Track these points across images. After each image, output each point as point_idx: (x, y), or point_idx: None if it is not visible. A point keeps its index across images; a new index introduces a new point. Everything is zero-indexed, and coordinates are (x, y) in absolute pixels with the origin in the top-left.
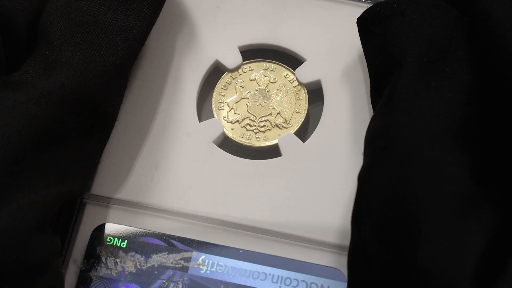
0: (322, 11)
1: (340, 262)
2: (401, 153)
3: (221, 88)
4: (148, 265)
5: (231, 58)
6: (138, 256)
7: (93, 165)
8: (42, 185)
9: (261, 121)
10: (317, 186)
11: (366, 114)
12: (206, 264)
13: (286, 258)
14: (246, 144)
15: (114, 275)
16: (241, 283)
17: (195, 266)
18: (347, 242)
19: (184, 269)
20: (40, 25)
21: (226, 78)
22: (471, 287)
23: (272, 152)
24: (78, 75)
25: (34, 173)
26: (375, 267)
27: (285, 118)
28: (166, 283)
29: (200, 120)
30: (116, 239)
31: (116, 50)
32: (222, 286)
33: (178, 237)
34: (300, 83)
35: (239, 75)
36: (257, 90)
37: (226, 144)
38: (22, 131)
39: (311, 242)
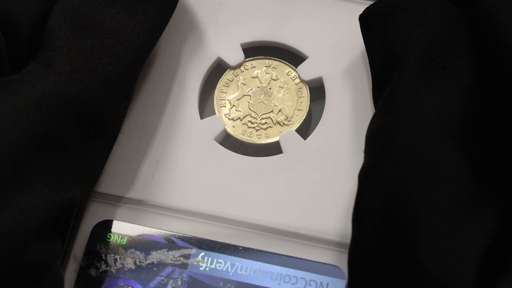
0: (325, 8)
1: (339, 260)
2: (402, 152)
3: (223, 85)
4: (148, 262)
5: (233, 56)
6: (137, 253)
7: (95, 174)
8: (44, 190)
9: (262, 118)
10: (318, 184)
11: (367, 111)
12: (205, 261)
13: (286, 255)
14: (247, 141)
15: (114, 271)
16: (240, 280)
17: (195, 263)
18: (347, 239)
19: (184, 266)
20: (46, 28)
21: (228, 75)
22: (472, 286)
23: (273, 149)
24: (78, 81)
25: (36, 179)
26: (375, 265)
27: (286, 115)
28: (165, 280)
29: (202, 117)
30: (116, 236)
31: (117, 59)
32: (221, 283)
33: (178, 234)
34: (302, 80)
35: (241, 72)
36: (259, 87)
37: (227, 141)
38: (22, 137)
39: (311, 240)
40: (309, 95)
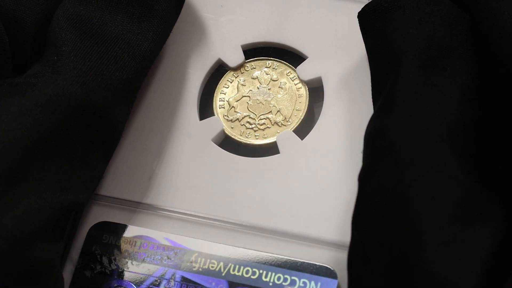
0: (325, 8)
1: (334, 260)
2: (401, 155)
3: (223, 87)
4: (142, 263)
5: (234, 57)
6: (132, 253)
7: (97, 178)
8: (48, 192)
9: (261, 119)
10: (314, 184)
11: (366, 112)
12: (198, 262)
13: (278, 255)
14: (245, 142)
15: (108, 272)
16: (233, 280)
17: (188, 264)
18: (342, 239)
19: (177, 266)
20: (49, 31)
21: (228, 76)
22: None
23: (271, 150)
24: (85, 86)
25: (40, 180)
26: (375, 269)
27: (285, 116)
28: (158, 280)
29: (201, 119)
30: (112, 237)
31: (123, 66)
32: (213, 284)
33: (171, 234)
34: (301, 81)
35: (241, 73)
36: (258, 88)
37: (225, 142)
38: (28, 138)
39: (307, 240)
40: (308, 95)
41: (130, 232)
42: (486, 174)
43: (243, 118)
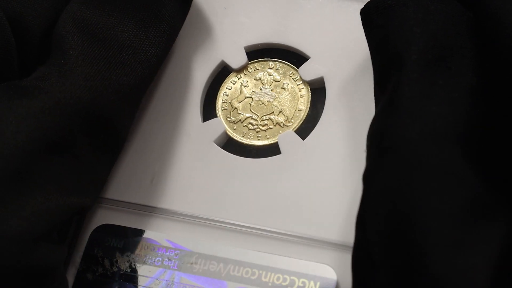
0: (327, 9)
1: (334, 260)
2: (407, 155)
3: (226, 88)
4: (143, 264)
5: (237, 59)
6: (133, 256)
7: (101, 181)
8: (55, 194)
9: (263, 120)
10: (315, 184)
11: (368, 112)
12: (198, 263)
13: (278, 255)
14: (247, 143)
15: (110, 275)
16: (233, 281)
17: (188, 265)
18: (342, 239)
19: (177, 267)
20: (55, 34)
21: (231, 78)
22: None
23: (273, 150)
24: (93, 90)
25: (47, 182)
26: (381, 271)
27: (287, 116)
28: (159, 282)
29: (205, 120)
30: (114, 240)
31: (130, 71)
32: (213, 284)
33: (172, 236)
34: (303, 81)
35: (244, 75)
36: (261, 90)
37: (228, 143)
38: (35, 140)
39: (307, 240)
40: (310, 95)
41: (132, 234)
42: (492, 175)
43: (245, 119)
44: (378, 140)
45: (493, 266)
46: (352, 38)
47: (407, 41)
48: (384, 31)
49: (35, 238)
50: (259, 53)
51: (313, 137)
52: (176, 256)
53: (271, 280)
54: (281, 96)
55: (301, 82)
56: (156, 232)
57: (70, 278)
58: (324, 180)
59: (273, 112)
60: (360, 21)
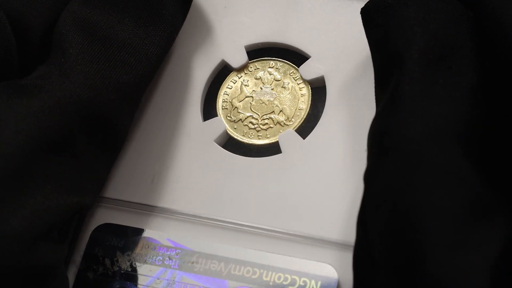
0: (327, 8)
1: (335, 259)
2: (408, 155)
3: (227, 87)
4: (144, 264)
5: (237, 58)
6: (134, 255)
7: (101, 180)
8: (55, 193)
9: (263, 119)
10: (316, 183)
11: (368, 111)
12: (199, 262)
13: (279, 255)
14: (247, 142)
15: (110, 274)
16: (234, 280)
17: (189, 264)
18: (343, 239)
19: (178, 267)
20: (55, 33)
21: (232, 77)
22: None
23: (274, 149)
24: (93, 89)
25: (47, 181)
26: (381, 271)
27: (287, 115)
28: (160, 281)
29: (205, 119)
30: (114, 239)
31: (130, 70)
32: (214, 284)
33: (173, 235)
34: (304, 80)
35: (245, 74)
36: (261, 89)
37: (228, 142)
38: (35, 139)
39: (308, 239)
40: (310, 94)
41: (133, 233)
42: (493, 175)
43: (246, 118)
44: (379, 139)
45: (493, 266)
46: (353, 37)
47: (408, 40)
48: (384, 30)
49: (35, 238)
50: (259, 52)
51: (313, 136)
52: (177, 255)
53: (272, 279)
54: (281, 95)
55: (301, 81)
56: (157, 231)
57: (71, 277)
58: (325, 179)
59: (273, 111)
60: (361, 20)
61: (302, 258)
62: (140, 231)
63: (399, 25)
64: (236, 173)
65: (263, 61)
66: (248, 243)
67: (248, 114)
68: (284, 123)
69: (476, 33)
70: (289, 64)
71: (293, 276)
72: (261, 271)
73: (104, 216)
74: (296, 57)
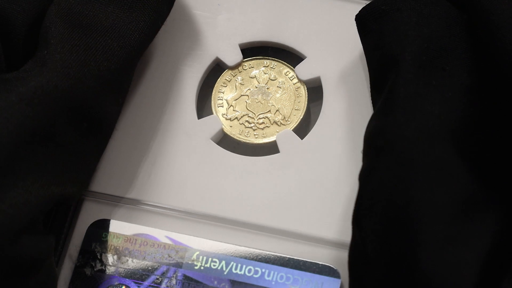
0: (323, 8)
1: (336, 259)
2: (401, 154)
3: (221, 85)
4: (142, 260)
5: (232, 56)
6: (132, 252)
7: (88, 170)
8: (35, 185)
9: (259, 118)
10: (314, 183)
11: (365, 111)
12: (200, 260)
13: (281, 255)
14: (244, 141)
15: (109, 270)
16: (235, 279)
17: (189, 262)
18: (343, 239)
19: (178, 265)
20: (42, 28)
21: (226, 75)
22: None
23: (270, 149)
24: (71, 77)
25: (27, 173)
26: (375, 268)
27: (284, 115)
28: (160, 279)
29: (199, 117)
30: (111, 235)
31: (112, 56)
32: (216, 282)
33: (173, 233)
34: (300, 80)
35: (239, 72)
36: (256, 88)
37: (224, 141)
38: (14, 131)
39: (307, 239)
40: (307, 95)
41: (130, 230)
42: (485, 172)
43: (241, 117)
44: (373, 139)
45: (482, 262)
46: (348, 37)
47: (402, 44)
48: (379, 36)
49: (17, 231)
50: (253, 51)
51: (311, 137)
52: (177, 253)
53: (274, 279)
54: (277, 94)
55: (297, 81)
56: (156, 229)
57: (68, 272)
58: (325, 179)
59: (269, 110)
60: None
61: (304, 258)
62: (138, 228)
63: (393, 30)
64: (237, 172)
65: (257, 60)
66: (250, 242)
67: (244, 113)
68: (281, 123)
69: (470, 34)
70: (283, 63)
71: (296, 276)
72: (263, 270)
73: (100, 212)
74: (290, 56)
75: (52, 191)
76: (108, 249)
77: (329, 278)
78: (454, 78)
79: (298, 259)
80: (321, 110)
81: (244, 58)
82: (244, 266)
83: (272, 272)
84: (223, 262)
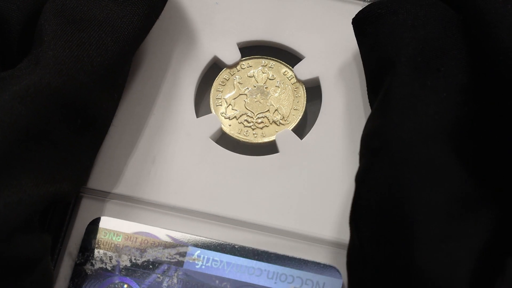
0: (322, 8)
1: (336, 259)
2: (397, 154)
3: (219, 84)
4: (143, 259)
5: (230, 55)
6: (133, 250)
7: (84, 167)
8: (30, 184)
9: (258, 118)
10: (314, 183)
11: (364, 111)
12: (201, 259)
13: (282, 254)
14: (243, 140)
15: (109, 269)
16: (236, 278)
17: (190, 261)
18: (343, 238)
19: (179, 263)
20: (37, 26)
21: (224, 74)
22: None
23: (270, 148)
24: (64, 73)
25: (21, 172)
26: (372, 267)
27: (282, 115)
28: (161, 278)
29: (198, 116)
30: (111, 233)
31: (105, 51)
32: (217, 281)
33: (174, 231)
34: (298, 80)
35: (238, 71)
36: (255, 87)
37: (223, 140)
38: (7, 130)
39: (307, 239)
40: (305, 94)
41: (131, 228)
42: (480, 172)
43: (240, 116)
44: (370, 140)
45: (477, 260)
46: (346, 38)
47: (397, 47)
48: (375, 39)
49: (11, 231)
50: (251, 50)
51: (311, 137)
52: (178, 252)
53: (275, 279)
54: (275, 94)
55: (295, 80)
56: (157, 227)
57: (67, 270)
58: (325, 179)
59: (268, 110)
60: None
61: (307, 258)
62: (138, 226)
63: (389, 33)
64: (237, 171)
65: (255, 59)
66: (251, 242)
67: (242, 112)
68: (280, 123)
69: (465, 35)
70: (282, 63)
71: (297, 276)
72: (265, 269)
73: (100, 210)
74: (287, 56)
75: (46, 189)
76: (108, 247)
77: (331, 278)
78: (449, 79)
79: (300, 259)
80: (320, 110)
81: (242, 57)
82: (245, 266)
83: (273, 272)
84: (225, 261)
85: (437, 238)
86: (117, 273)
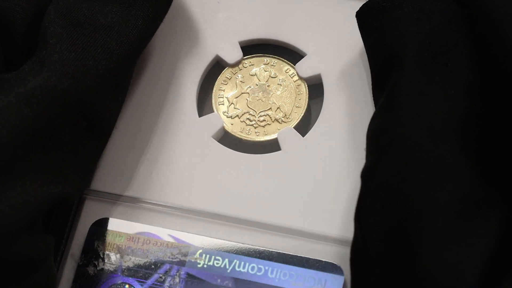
0: (323, 5)
1: (339, 256)
2: (404, 152)
3: (221, 83)
4: (145, 259)
5: (232, 53)
6: (135, 250)
7: (88, 169)
8: (34, 185)
9: (260, 116)
10: (316, 180)
11: (366, 109)
12: (203, 258)
13: (284, 252)
14: (245, 138)
15: (112, 269)
16: (238, 277)
17: (192, 260)
18: (346, 236)
19: (181, 263)
20: (41, 28)
21: (226, 73)
22: None
23: (272, 146)
24: (70, 76)
25: (26, 173)
26: (376, 266)
27: (285, 112)
28: (163, 277)
29: (200, 115)
30: (114, 234)
31: (110, 54)
32: (219, 280)
33: (176, 231)
34: (300, 78)
35: (240, 70)
36: (257, 85)
37: (226, 138)
38: (12, 131)
39: (310, 236)
40: (307, 92)
41: (133, 228)
42: (488, 171)
43: (242, 114)
44: (377, 137)
45: (484, 260)
46: (348, 34)
47: (403, 41)
48: (380, 33)
49: (15, 232)
50: (253, 48)
51: (313, 134)
52: (180, 251)
53: (277, 277)
54: (278, 92)
55: (298, 78)
56: (158, 227)
57: (70, 272)
58: (327, 177)
59: (270, 108)
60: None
61: (309, 256)
62: (140, 226)
63: (394, 27)
64: (239, 170)
65: (257, 58)
66: (253, 240)
67: (244, 111)
68: (282, 121)
69: (471, 30)
70: (284, 61)
71: (299, 274)
72: (266, 267)
73: (102, 211)
74: (290, 54)
75: (51, 191)
76: (110, 248)
77: (333, 275)
78: (456, 74)
79: (301, 257)
80: (322, 108)
81: (244, 55)
82: (247, 264)
83: (275, 270)
84: (226, 260)
85: (444, 238)
86: (119, 273)
